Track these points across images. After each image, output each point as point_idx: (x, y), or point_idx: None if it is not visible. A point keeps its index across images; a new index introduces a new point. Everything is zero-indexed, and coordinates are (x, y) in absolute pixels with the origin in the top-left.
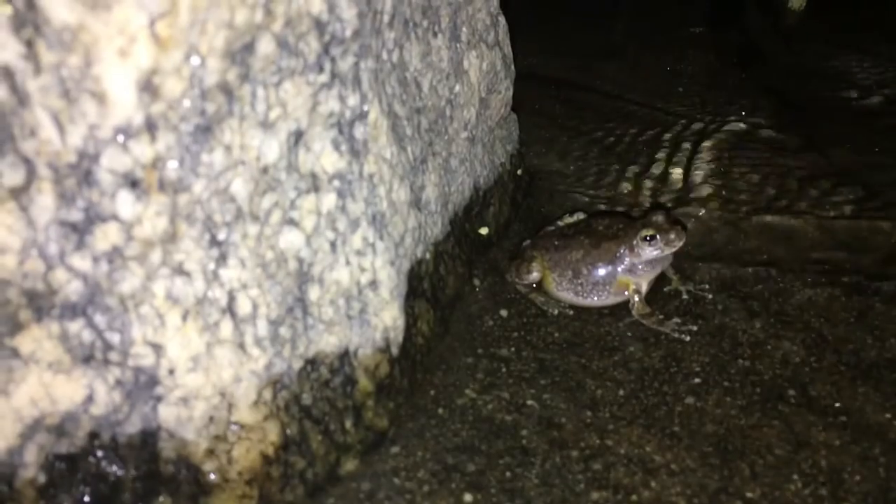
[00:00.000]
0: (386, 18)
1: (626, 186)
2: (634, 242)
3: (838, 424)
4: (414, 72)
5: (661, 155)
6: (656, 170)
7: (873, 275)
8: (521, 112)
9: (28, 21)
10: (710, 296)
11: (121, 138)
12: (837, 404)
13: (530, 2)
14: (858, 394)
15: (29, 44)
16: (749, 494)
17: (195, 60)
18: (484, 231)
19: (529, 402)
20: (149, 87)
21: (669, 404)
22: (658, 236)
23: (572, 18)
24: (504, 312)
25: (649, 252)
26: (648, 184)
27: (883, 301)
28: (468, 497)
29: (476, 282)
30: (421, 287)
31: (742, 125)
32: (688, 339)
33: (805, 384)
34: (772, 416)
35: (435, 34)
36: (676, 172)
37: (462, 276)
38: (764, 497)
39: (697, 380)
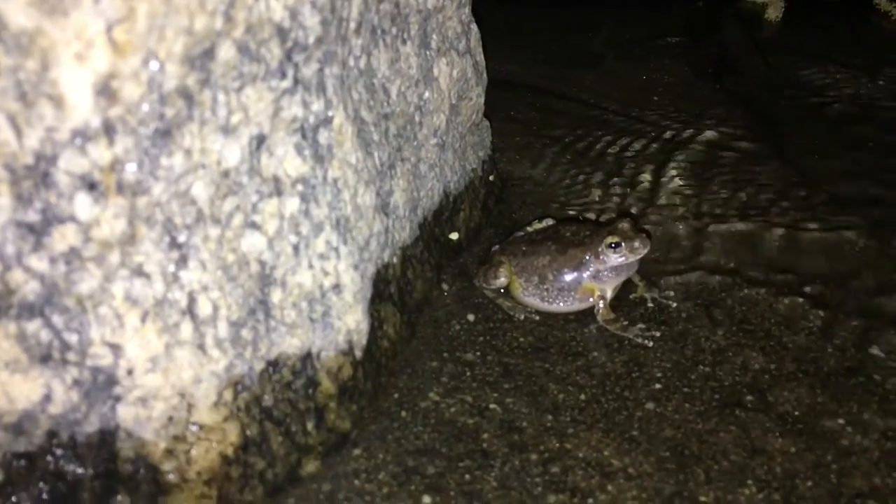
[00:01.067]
0: (352, 25)
1: (597, 193)
2: (600, 249)
3: (794, 431)
4: (382, 78)
5: (632, 162)
6: (627, 177)
7: (836, 284)
8: (497, 118)
9: None
10: (675, 303)
11: (78, 141)
12: (795, 412)
13: (510, 11)
14: (816, 402)
15: None
16: (703, 499)
17: (154, 65)
18: (454, 236)
19: (492, 406)
20: (106, 91)
21: (630, 409)
22: (623, 243)
23: (553, 28)
24: (471, 317)
25: (614, 259)
26: (619, 191)
27: (844, 311)
28: (427, 499)
29: (444, 286)
30: (387, 291)
31: (714, 134)
32: (651, 345)
33: (763, 391)
34: (729, 421)
35: (404, 41)
36: (647, 180)
37: (430, 281)
38: (717, 502)
39: (658, 385)
